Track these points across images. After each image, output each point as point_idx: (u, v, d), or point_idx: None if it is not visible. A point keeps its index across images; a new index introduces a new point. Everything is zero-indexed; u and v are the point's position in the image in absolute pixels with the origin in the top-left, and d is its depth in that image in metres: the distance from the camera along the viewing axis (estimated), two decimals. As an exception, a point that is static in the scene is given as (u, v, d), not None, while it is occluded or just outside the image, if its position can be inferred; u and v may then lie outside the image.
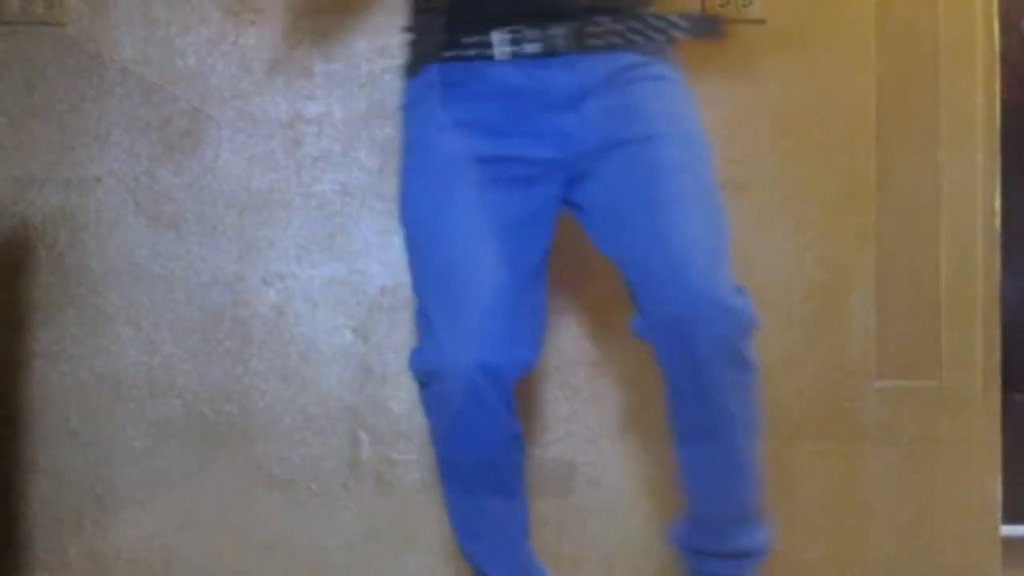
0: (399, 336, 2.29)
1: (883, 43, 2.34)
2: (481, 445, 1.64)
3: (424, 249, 1.66)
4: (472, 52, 1.63)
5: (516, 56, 1.61)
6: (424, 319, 1.64)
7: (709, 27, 1.72)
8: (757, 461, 1.69)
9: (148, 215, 2.29)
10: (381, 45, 2.28)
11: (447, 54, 1.65)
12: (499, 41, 1.61)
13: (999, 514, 2.33)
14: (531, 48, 1.61)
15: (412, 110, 1.72)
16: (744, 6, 2.31)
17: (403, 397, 2.29)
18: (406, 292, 2.27)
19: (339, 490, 2.29)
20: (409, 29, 1.74)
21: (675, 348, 1.59)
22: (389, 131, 2.30)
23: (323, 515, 2.29)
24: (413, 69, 1.72)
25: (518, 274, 1.63)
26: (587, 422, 2.32)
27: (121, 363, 2.28)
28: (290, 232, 2.30)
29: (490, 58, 1.62)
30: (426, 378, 1.63)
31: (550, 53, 1.61)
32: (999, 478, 2.33)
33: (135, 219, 2.29)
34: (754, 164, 2.32)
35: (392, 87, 2.30)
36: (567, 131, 1.63)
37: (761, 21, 2.32)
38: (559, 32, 1.61)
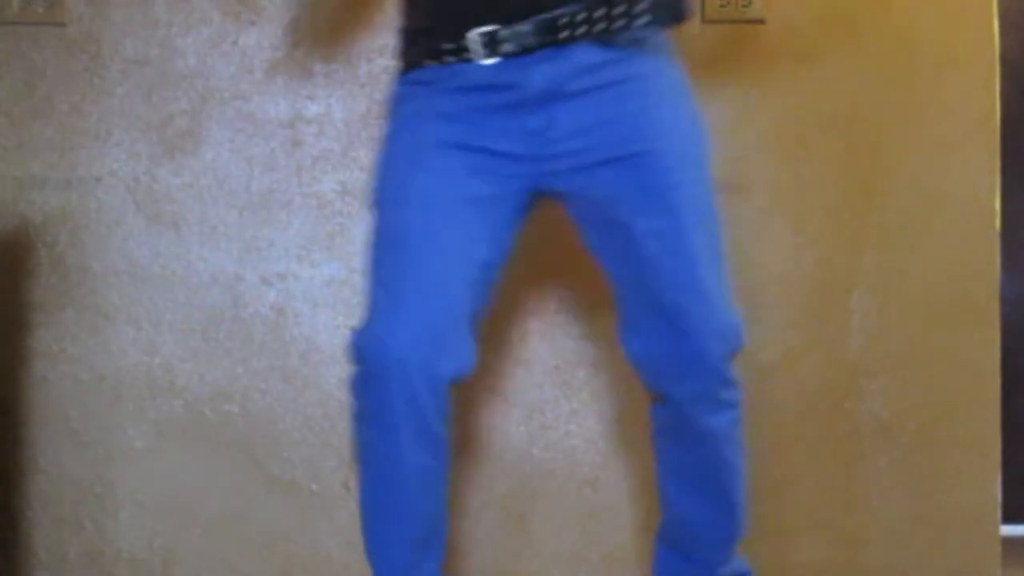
0: (399, 336, 2.29)
1: (883, 43, 2.34)
2: (400, 444, 1.56)
3: (382, 229, 1.64)
4: (451, 58, 1.64)
5: (492, 56, 1.62)
6: (371, 300, 1.61)
7: (671, 10, 1.69)
8: (744, 488, 1.72)
9: (148, 215, 2.29)
10: (381, 45, 2.29)
11: (428, 62, 1.66)
12: (474, 44, 1.62)
13: (999, 514, 2.33)
14: (506, 48, 1.61)
15: (395, 108, 1.73)
16: (744, 6, 2.31)
17: (403, 397, 2.29)
18: (406, 292, 2.27)
19: (339, 490, 2.29)
20: (399, 37, 1.75)
21: (682, 375, 1.64)
22: (389, 131, 2.30)
23: (323, 515, 2.29)
24: (400, 76, 1.73)
25: (471, 270, 1.61)
26: (587, 422, 2.32)
27: (121, 363, 2.28)
28: (290, 232, 2.30)
29: (469, 61, 1.63)
30: (359, 361, 1.58)
31: (525, 51, 1.61)
32: (999, 478, 2.33)
33: (135, 219, 2.29)
34: (754, 164, 2.32)
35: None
36: (535, 129, 1.62)
37: (761, 21, 2.32)
38: (527, 28, 1.60)
